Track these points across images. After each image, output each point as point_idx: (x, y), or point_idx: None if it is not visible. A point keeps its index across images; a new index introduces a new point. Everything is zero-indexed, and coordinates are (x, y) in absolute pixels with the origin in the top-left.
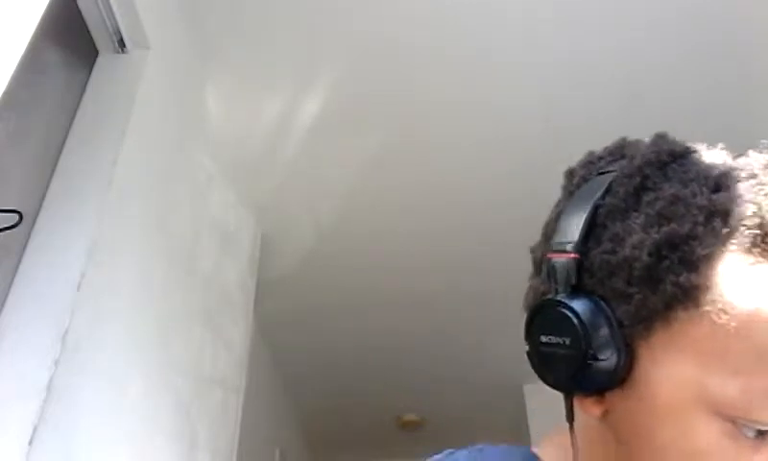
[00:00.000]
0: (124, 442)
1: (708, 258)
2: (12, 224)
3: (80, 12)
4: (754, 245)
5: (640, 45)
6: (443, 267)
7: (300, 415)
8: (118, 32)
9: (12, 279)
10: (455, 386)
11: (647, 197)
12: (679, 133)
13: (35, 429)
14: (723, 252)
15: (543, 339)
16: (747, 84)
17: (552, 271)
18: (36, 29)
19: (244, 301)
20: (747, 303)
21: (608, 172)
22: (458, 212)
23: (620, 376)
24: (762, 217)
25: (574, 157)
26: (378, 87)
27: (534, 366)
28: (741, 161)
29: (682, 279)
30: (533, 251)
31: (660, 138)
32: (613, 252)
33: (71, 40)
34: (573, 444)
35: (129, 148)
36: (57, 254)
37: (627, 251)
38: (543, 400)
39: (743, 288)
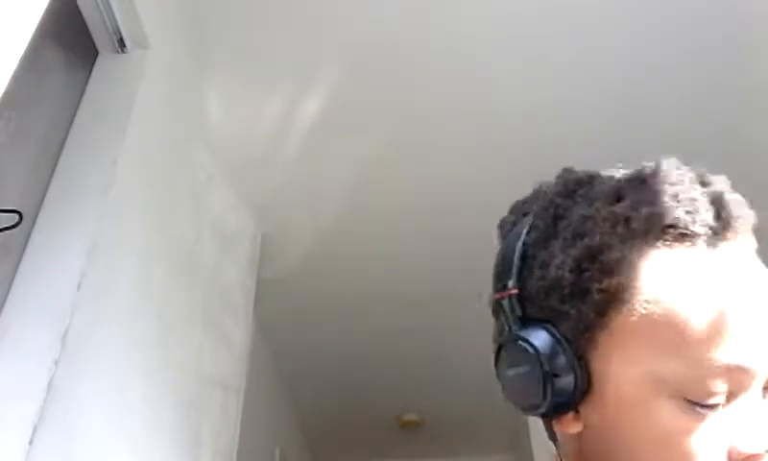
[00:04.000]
0: (124, 442)
1: (622, 260)
2: (12, 224)
3: (80, 12)
4: (655, 238)
5: (640, 48)
6: (443, 267)
7: (300, 415)
8: (118, 32)
9: (12, 279)
10: (455, 386)
11: (562, 223)
12: (678, 136)
13: (35, 429)
14: (632, 251)
15: (510, 373)
16: (747, 87)
17: (501, 310)
18: (36, 29)
19: (244, 301)
20: (663, 290)
21: (529, 212)
22: (458, 213)
23: (582, 389)
24: (655, 213)
25: (574, 160)
26: (378, 88)
27: (510, 399)
28: (632, 174)
29: (604, 284)
30: (489, 301)
31: (566, 172)
32: (543, 277)
33: (71, 40)
34: None
35: (129, 148)
36: (57, 254)
37: (553, 272)
38: None
39: (657, 277)
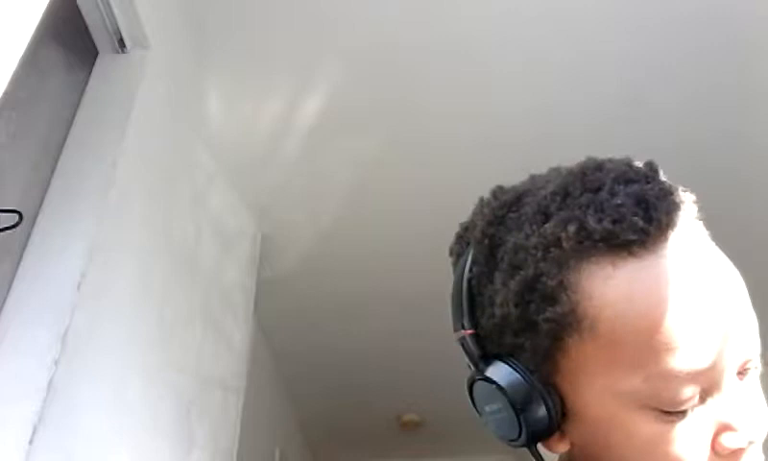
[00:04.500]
0: (124, 442)
1: (561, 285)
2: (12, 224)
3: (80, 12)
4: (590, 255)
5: (640, 48)
6: (443, 267)
7: (300, 415)
8: (118, 32)
9: (12, 279)
10: (455, 386)
11: (499, 253)
12: (678, 136)
13: (35, 429)
14: (570, 273)
15: (487, 409)
16: (747, 88)
17: (463, 350)
18: (36, 29)
19: (244, 301)
20: (609, 307)
21: (470, 242)
22: (458, 213)
23: (557, 415)
24: (584, 229)
25: (574, 161)
26: (378, 88)
27: (493, 434)
28: (556, 183)
29: (549, 313)
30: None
31: (495, 193)
32: (493, 315)
33: (71, 40)
34: None
35: (129, 148)
36: (57, 254)
37: (499, 309)
38: None
39: (601, 296)
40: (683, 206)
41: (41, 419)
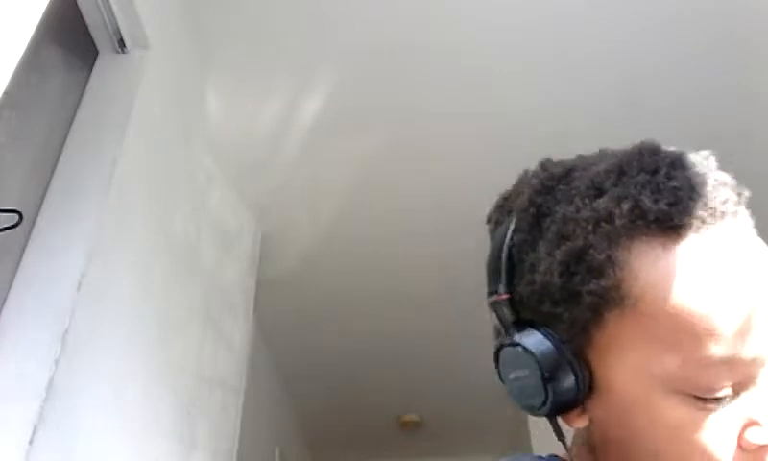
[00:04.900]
0: (124, 442)
1: (609, 260)
2: (12, 224)
3: (80, 12)
4: (641, 233)
5: (640, 48)
6: (443, 267)
7: (300, 415)
8: (118, 32)
9: (12, 279)
10: (455, 386)
11: (545, 223)
12: (679, 136)
13: (35, 429)
14: (618, 249)
15: (512, 376)
16: (747, 88)
17: (495, 312)
18: (36, 29)
19: (244, 301)
20: (654, 287)
21: (512, 210)
22: (458, 212)
23: (584, 388)
24: (639, 207)
25: None
26: (378, 88)
27: (514, 400)
28: (612, 162)
29: (593, 286)
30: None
31: (543, 166)
32: (533, 281)
33: (71, 40)
34: (571, 458)
35: (129, 148)
36: (57, 254)
37: (541, 277)
38: None
39: (647, 275)
40: (736, 198)
41: (41, 419)
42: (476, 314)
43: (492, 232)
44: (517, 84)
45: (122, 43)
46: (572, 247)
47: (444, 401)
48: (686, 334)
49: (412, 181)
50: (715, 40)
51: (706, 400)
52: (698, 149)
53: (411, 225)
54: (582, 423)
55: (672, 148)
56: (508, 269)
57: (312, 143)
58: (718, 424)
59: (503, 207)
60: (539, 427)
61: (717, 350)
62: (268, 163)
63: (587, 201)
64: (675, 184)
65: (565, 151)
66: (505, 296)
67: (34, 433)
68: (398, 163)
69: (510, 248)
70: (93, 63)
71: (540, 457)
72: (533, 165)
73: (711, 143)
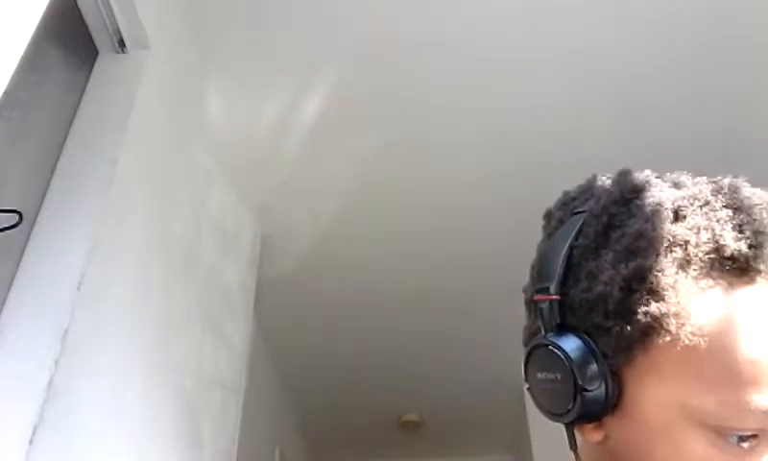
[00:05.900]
0: (124, 442)
1: (673, 287)
2: (12, 224)
3: (80, 12)
4: (712, 268)
5: (640, 48)
6: (443, 267)
7: (300, 415)
8: (118, 32)
9: (12, 279)
10: (455, 386)
11: (615, 234)
12: (678, 136)
13: (35, 429)
14: (686, 278)
15: (540, 376)
16: (747, 88)
17: (538, 313)
18: (36, 29)
19: (244, 300)
20: (712, 324)
21: (579, 212)
22: (458, 212)
23: (611, 404)
24: (716, 242)
25: (574, 159)
26: (378, 87)
27: (534, 401)
28: (695, 189)
29: (651, 308)
30: (524, 291)
31: (623, 175)
32: (589, 289)
33: (71, 40)
34: None
35: (129, 148)
36: (57, 254)
37: (600, 287)
38: None
39: (708, 310)
40: None
41: (41, 419)
42: (476, 314)
43: (551, 230)
44: (518, 83)
45: (122, 43)
46: (640, 264)
47: (444, 401)
48: (731, 376)
49: (412, 181)
50: (715, 40)
51: (735, 438)
52: (698, 149)
53: (411, 224)
54: (596, 437)
55: (758, 190)
56: (564, 271)
57: (312, 143)
58: None
59: (567, 206)
60: (538, 428)
61: (758, 398)
62: (268, 163)
63: (664, 222)
64: (758, 228)
65: (565, 149)
66: (556, 297)
67: (34, 433)
68: (399, 163)
69: (571, 249)
70: (93, 63)
71: None
72: (532, 164)
73: (711, 143)
